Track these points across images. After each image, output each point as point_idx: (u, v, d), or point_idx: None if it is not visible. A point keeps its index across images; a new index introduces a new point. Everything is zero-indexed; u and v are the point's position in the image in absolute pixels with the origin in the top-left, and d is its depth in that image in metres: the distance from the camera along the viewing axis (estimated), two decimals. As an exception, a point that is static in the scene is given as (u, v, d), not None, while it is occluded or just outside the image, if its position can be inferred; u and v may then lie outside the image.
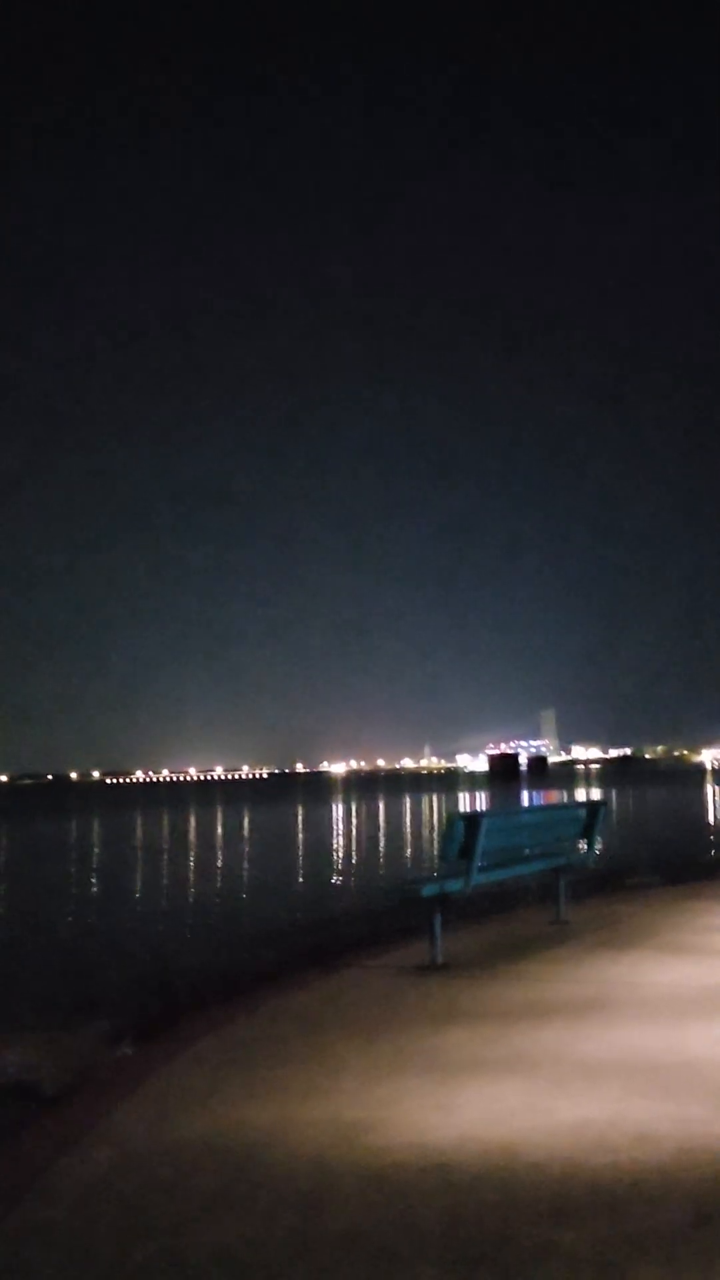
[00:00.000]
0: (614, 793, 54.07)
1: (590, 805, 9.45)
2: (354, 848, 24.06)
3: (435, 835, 26.13)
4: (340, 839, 27.55)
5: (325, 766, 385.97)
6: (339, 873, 17.67)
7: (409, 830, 29.59)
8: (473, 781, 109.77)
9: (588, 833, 9.31)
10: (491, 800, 50.49)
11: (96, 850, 26.87)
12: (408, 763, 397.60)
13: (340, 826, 33.10)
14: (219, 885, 16.25)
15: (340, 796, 65.71)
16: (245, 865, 20.25)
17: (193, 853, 24.38)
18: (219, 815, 44.18)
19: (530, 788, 73.36)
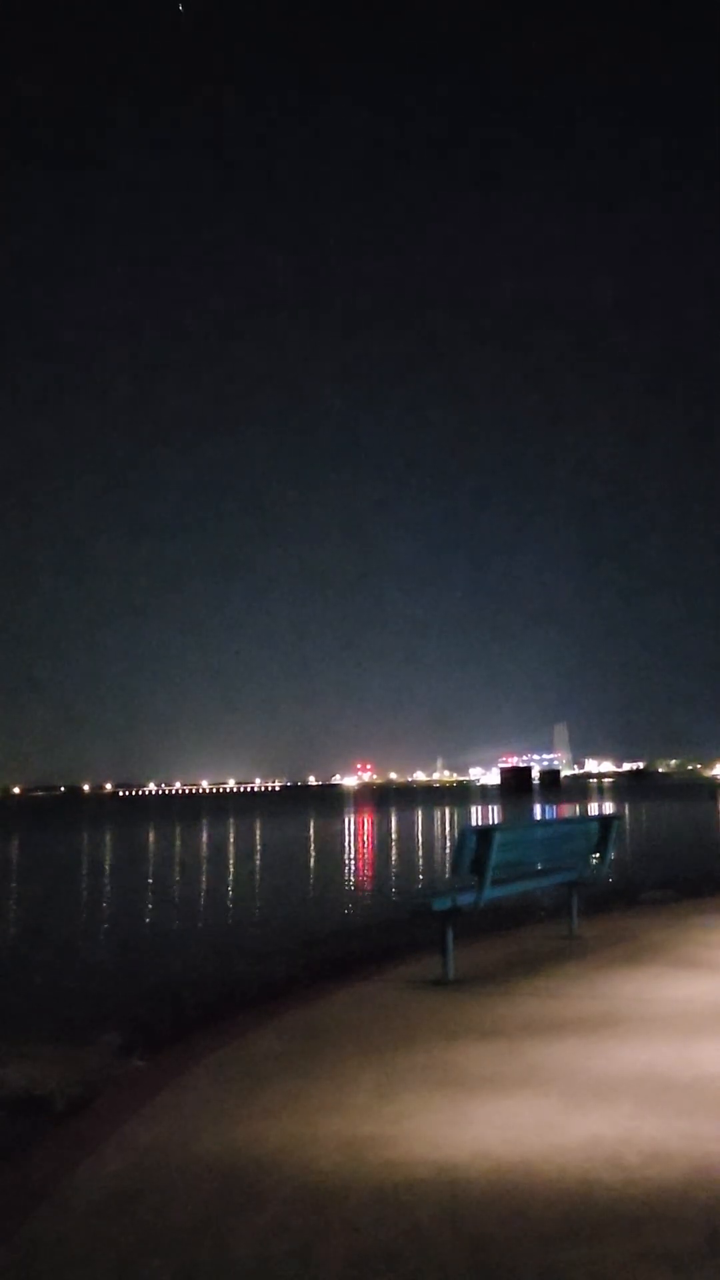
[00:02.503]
0: (627, 807, 53.83)
1: (603, 819, 9.42)
2: (366, 861, 24.01)
3: (447, 849, 26.05)
4: (352, 852, 27.50)
5: (337, 779, 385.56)
6: (350, 886, 17.64)
7: (421, 843, 29.51)
8: (485, 795, 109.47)
9: (601, 847, 9.27)
10: (504, 814, 50.34)
11: (108, 862, 26.88)
12: (420, 776, 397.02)
13: (352, 839, 33.04)
14: (230, 898, 16.24)
15: (352, 809, 65.61)
16: (257, 878, 20.23)
17: (204, 865, 24.38)
18: (231, 828, 44.16)
19: (543, 801, 73.08)
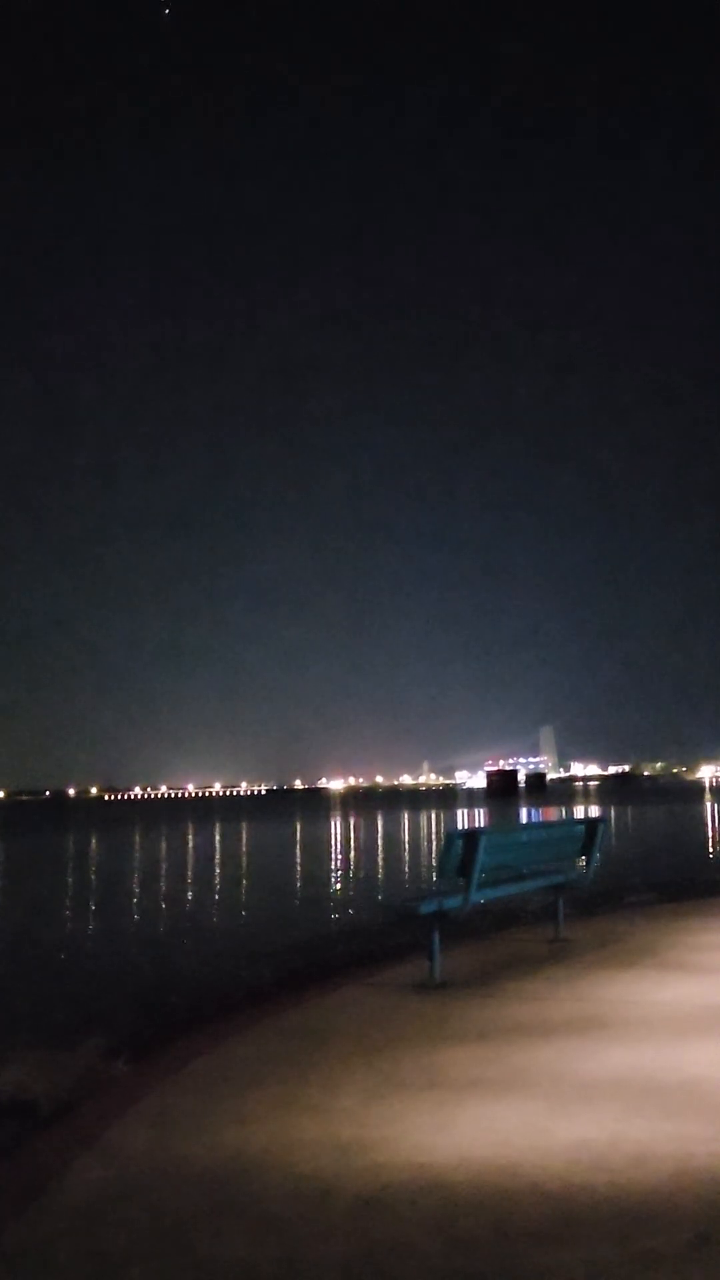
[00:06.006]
0: (612, 810, 53.96)
1: (589, 822, 9.44)
2: (352, 865, 23.99)
3: (433, 852, 26.06)
4: (338, 856, 27.47)
5: (324, 783, 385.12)
6: (337, 890, 17.62)
7: (407, 847, 29.51)
8: (471, 798, 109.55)
9: (587, 850, 9.29)
10: (490, 817, 50.38)
11: (94, 867, 26.79)
12: (406, 779, 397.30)
13: (338, 843, 33.02)
14: (216, 902, 16.20)
15: (339, 813, 65.56)
16: (243, 882, 20.19)
17: (190, 870, 24.31)
18: (217, 832, 44.06)
19: (529, 805, 73.19)
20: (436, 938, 7.18)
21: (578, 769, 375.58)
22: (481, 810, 61.34)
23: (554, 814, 51.75)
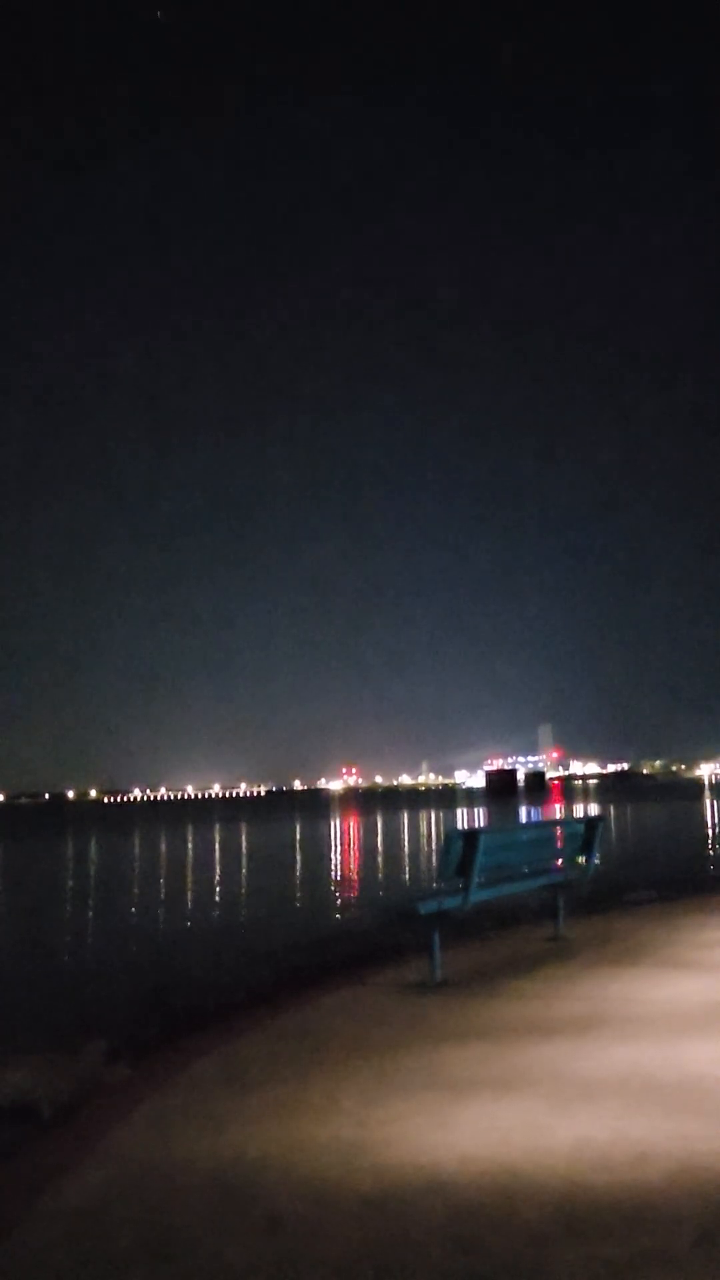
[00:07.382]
0: (612, 808, 53.98)
1: (588, 821, 9.45)
2: (352, 865, 23.99)
3: (433, 852, 26.06)
4: (338, 856, 27.47)
5: (323, 783, 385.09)
6: (337, 890, 17.62)
7: (407, 847, 29.50)
8: (471, 798, 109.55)
9: (586, 848, 9.30)
10: (489, 816, 50.39)
11: (94, 870, 26.77)
12: (406, 779, 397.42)
13: (338, 844, 33.01)
14: (217, 904, 16.19)
15: (338, 813, 65.54)
16: (243, 884, 20.19)
17: (190, 872, 24.30)
18: (217, 833, 44.04)
19: (528, 804, 73.19)
20: (436, 937, 7.19)
21: (577, 767, 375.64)
22: (481, 809, 61.34)
23: (553, 813, 51.71)
